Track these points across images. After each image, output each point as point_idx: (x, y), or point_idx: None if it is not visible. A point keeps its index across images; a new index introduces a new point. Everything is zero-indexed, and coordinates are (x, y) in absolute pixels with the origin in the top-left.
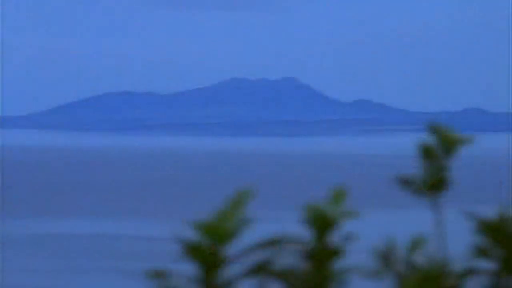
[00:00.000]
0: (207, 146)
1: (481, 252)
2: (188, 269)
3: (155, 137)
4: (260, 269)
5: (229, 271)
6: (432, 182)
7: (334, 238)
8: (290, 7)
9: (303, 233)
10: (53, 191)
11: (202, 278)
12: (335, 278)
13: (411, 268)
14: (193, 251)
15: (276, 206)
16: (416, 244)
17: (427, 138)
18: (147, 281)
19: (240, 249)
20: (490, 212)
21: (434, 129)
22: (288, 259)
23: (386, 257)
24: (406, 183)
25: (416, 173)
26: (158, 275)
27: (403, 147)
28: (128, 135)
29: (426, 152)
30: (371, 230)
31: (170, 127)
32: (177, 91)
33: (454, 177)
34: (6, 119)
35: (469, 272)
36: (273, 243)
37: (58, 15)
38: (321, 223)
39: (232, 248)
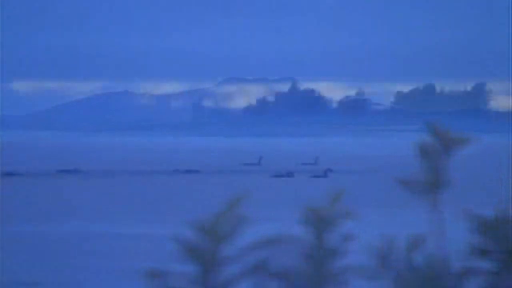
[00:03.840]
0: (205, 145)
1: (480, 252)
2: (188, 269)
3: (154, 136)
4: (259, 269)
5: (228, 271)
6: (431, 182)
7: (333, 238)
8: (289, 7)
9: (303, 233)
10: (53, 190)
11: (201, 278)
12: (334, 277)
13: (410, 267)
14: (192, 251)
15: (276, 206)
16: (415, 243)
17: (427, 138)
18: (147, 281)
19: (239, 249)
20: (489, 212)
21: (433, 129)
22: (287, 259)
23: (385, 257)
24: (405, 183)
25: (416, 173)
26: (158, 275)
27: (403, 147)
28: (127, 135)
29: (426, 152)
30: (371, 230)
31: (169, 126)
32: (176, 90)
33: (454, 177)
34: (6, 118)
35: (468, 271)
36: (271, 243)
37: (58, 14)
38: (320, 223)
39: (231, 248)
